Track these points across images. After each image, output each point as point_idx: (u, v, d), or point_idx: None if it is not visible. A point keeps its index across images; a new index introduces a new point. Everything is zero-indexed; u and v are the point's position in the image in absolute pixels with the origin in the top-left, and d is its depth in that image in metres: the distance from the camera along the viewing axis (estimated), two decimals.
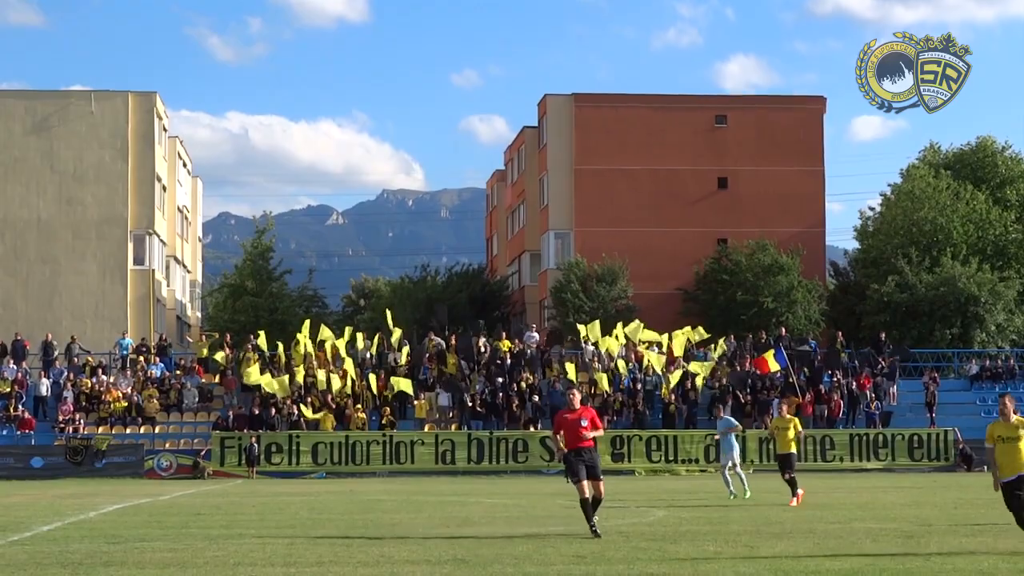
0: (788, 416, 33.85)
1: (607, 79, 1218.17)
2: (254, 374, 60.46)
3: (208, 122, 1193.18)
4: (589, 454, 22.56)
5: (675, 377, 61.31)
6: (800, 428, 33.45)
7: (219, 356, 64.07)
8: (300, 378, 60.72)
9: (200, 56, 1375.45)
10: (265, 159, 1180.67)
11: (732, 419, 36.53)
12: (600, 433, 22.93)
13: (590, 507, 22.30)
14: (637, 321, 65.75)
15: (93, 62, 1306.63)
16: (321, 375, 60.51)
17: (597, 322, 66.08)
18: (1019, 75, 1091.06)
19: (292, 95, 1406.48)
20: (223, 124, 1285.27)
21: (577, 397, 23.40)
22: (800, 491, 32.08)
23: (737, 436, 36.47)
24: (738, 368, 63.94)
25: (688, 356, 64.41)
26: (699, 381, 61.59)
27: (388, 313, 66.49)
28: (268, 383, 59.54)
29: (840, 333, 68.82)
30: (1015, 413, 19.55)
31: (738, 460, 35.62)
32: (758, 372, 62.13)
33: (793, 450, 32.88)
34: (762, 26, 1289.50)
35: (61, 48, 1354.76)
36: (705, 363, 63.66)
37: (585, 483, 22.24)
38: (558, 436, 23.01)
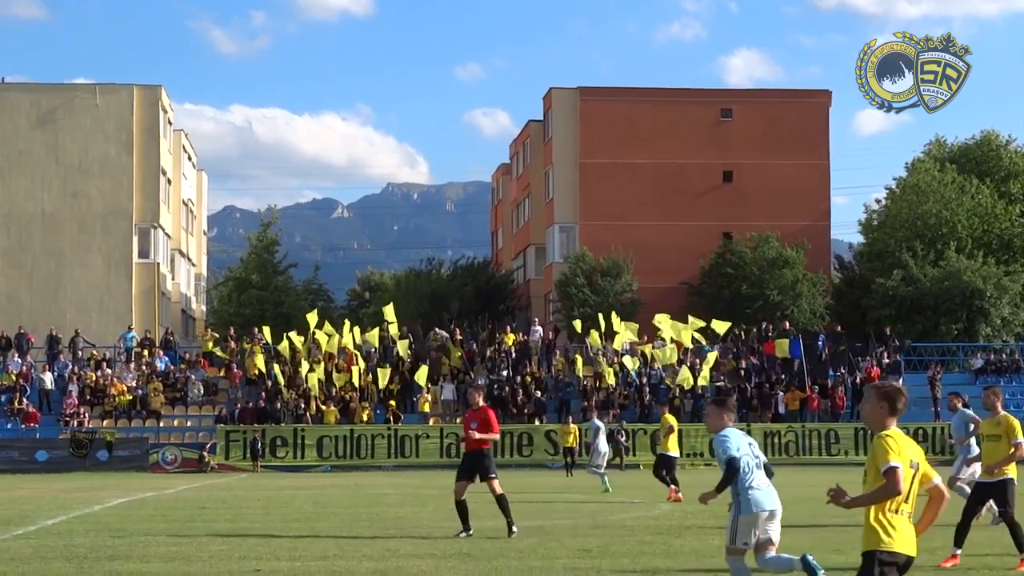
0: (671, 417, 34.34)
1: (611, 73, 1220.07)
2: (259, 363, 60.58)
3: (212, 115, 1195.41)
4: (478, 455, 21.81)
5: (685, 375, 61.07)
6: (677, 428, 34.11)
7: (223, 350, 64.15)
8: (306, 372, 60.61)
9: (203, 49, 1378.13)
10: (269, 152, 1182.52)
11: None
12: (492, 436, 21.91)
13: (464, 509, 21.78)
14: (634, 325, 65.68)
15: (96, 55, 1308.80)
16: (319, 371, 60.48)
17: (614, 317, 65.94)
18: (1023, 69, 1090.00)
19: (295, 88, 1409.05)
20: (227, 117, 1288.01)
21: (477, 397, 22.89)
22: (675, 486, 32.25)
23: None
24: (744, 362, 63.94)
25: (695, 350, 64.39)
26: (704, 377, 61.48)
27: (390, 307, 66.29)
28: (276, 374, 59.68)
29: (839, 327, 68.76)
30: (1002, 409, 19.20)
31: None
32: (764, 354, 62.44)
33: (677, 452, 33.66)
34: (765, 20, 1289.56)
35: (64, 42, 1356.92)
36: (711, 355, 63.62)
37: (459, 484, 21.86)
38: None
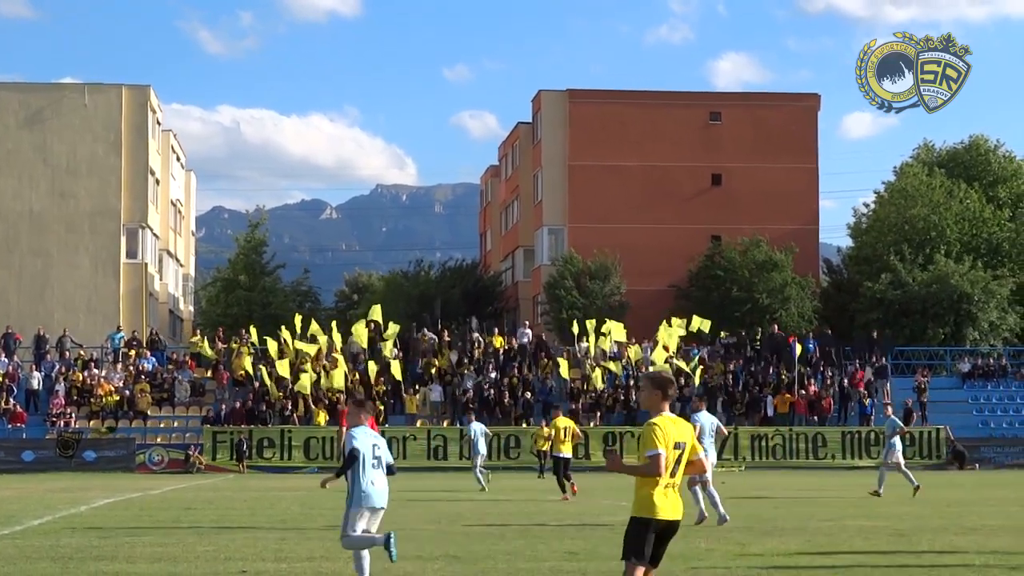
0: (565, 419, 35.27)
1: (599, 75, 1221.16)
2: (247, 364, 60.52)
3: (199, 115, 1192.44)
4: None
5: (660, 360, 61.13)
6: (578, 433, 35.36)
7: (210, 351, 64.08)
8: (285, 370, 60.44)
9: (191, 49, 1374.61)
10: (257, 153, 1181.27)
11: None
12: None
13: None
14: (621, 325, 65.64)
15: (83, 55, 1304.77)
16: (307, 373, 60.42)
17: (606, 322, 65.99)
18: (1012, 75, 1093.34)
19: (283, 89, 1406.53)
20: (214, 118, 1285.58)
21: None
22: (574, 485, 33.87)
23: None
24: (733, 365, 64.01)
25: (681, 352, 64.45)
26: (696, 377, 61.53)
27: (377, 309, 66.12)
28: (262, 376, 59.62)
29: (829, 330, 68.86)
30: None
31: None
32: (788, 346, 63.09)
33: (570, 453, 34.56)
34: (754, 23, 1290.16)
35: (51, 41, 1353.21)
36: (695, 358, 63.67)
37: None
38: None
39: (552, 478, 35.45)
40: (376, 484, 14.86)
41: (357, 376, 61.22)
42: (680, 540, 21.17)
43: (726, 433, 29.04)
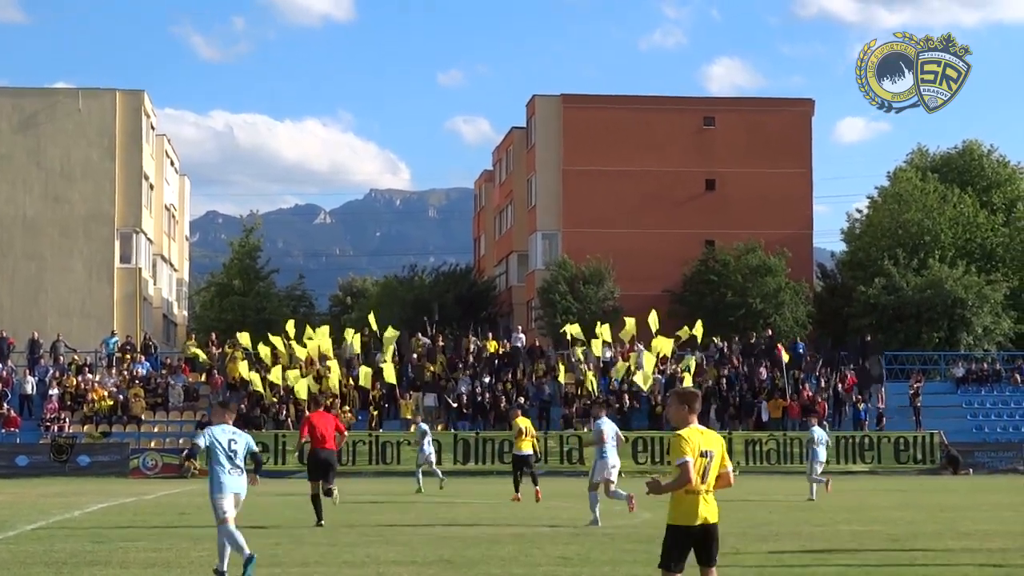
0: (523, 419, 35.77)
1: (594, 80, 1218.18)
2: (242, 369, 60.45)
3: (193, 120, 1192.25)
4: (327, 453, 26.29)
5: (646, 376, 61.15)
6: (534, 432, 35.64)
7: (204, 355, 64.04)
8: (277, 376, 60.36)
9: (184, 54, 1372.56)
10: (250, 157, 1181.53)
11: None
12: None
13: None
14: (632, 321, 65.49)
15: (76, 60, 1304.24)
16: (294, 374, 60.32)
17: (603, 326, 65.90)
18: (1004, 79, 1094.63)
19: (276, 93, 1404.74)
20: (208, 123, 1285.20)
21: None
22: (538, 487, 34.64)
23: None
24: (727, 370, 63.98)
25: (676, 356, 64.41)
26: (687, 381, 61.48)
27: (372, 316, 66.10)
28: (255, 381, 59.51)
29: (824, 335, 68.88)
30: None
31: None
32: (777, 356, 63.16)
33: (529, 451, 35.17)
34: (747, 29, 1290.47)
35: (44, 45, 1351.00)
36: (688, 360, 63.62)
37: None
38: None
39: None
40: (231, 473, 16.73)
41: (352, 381, 61.20)
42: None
43: (624, 440, 29.56)
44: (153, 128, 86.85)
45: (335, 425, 26.99)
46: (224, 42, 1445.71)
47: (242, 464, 16.89)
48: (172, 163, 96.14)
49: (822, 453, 37.61)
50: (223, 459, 16.74)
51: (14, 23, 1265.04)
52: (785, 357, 63.67)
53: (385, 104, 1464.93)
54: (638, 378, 61.12)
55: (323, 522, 25.80)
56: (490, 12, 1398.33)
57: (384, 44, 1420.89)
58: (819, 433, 38.25)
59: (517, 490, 34.79)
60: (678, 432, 11.74)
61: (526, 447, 34.96)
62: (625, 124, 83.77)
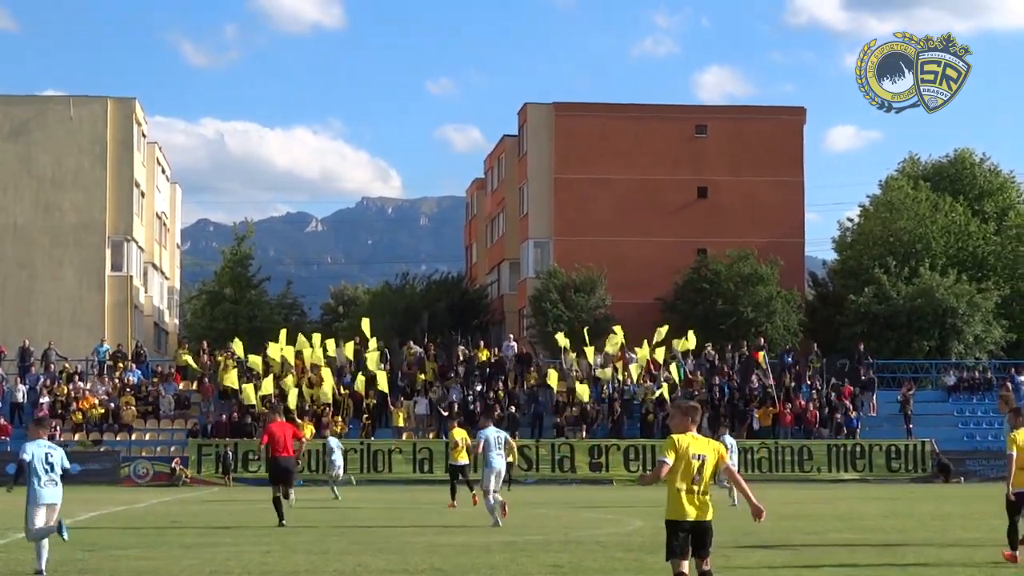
0: (460, 430, 36.90)
1: (584, 88, 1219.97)
2: (232, 378, 60.37)
3: (183, 128, 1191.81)
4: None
5: (648, 389, 61.15)
6: (470, 440, 35.77)
7: (195, 363, 63.98)
8: (268, 387, 60.27)
9: (173, 62, 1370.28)
10: (241, 165, 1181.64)
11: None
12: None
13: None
14: (619, 328, 65.51)
15: (66, 67, 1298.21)
16: (290, 382, 60.29)
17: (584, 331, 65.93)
18: (996, 88, 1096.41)
19: (267, 101, 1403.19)
20: (198, 130, 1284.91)
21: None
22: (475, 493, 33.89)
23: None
24: (718, 378, 63.97)
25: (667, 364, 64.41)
26: (665, 391, 61.36)
27: (365, 322, 66.06)
28: (247, 392, 59.43)
29: (815, 345, 68.90)
30: None
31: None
32: (754, 361, 62.99)
33: (466, 461, 36.11)
34: (737, 37, 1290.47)
35: (33, 53, 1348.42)
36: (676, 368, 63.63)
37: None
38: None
39: (477, 489, 35.63)
40: (48, 486, 18.00)
41: (344, 389, 61.17)
42: (664, 553, 21.16)
43: (514, 445, 30.28)
44: (144, 136, 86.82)
45: (293, 433, 29.66)
46: (214, 49, 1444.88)
47: (58, 476, 18.12)
48: (163, 171, 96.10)
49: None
50: (41, 471, 18.04)
51: (3, 30, 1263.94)
52: (764, 365, 63.64)
53: (375, 112, 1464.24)
54: (637, 379, 61.26)
55: (284, 522, 28.03)
56: (479, 21, 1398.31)
57: (373, 52, 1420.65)
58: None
59: (453, 498, 36.07)
60: (672, 435, 12.97)
61: (462, 458, 36.01)
62: (617, 132, 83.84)
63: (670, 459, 12.76)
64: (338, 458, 45.64)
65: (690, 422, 13.01)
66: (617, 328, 65.19)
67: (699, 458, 12.77)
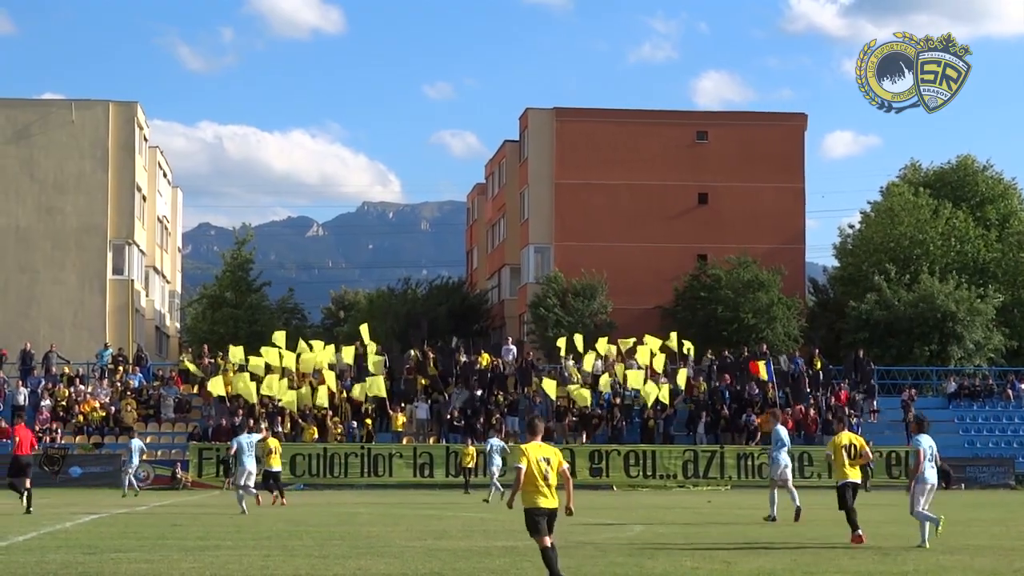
0: (273, 440, 41.93)
1: (581, 93, 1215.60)
2: (218, 384, 60.40)
3: (182, 132, 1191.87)
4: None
5: (651, 392, 61.12)
6: (280, 450, 41.80)
7: (196, 367, 63.99)
8: (268, 388, 60.24)
9: (171, 66, 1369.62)
10: (240, 169, 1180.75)
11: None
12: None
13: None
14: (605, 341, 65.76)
15: (64, 70, 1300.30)
16: (286, 386, 60.26)
17: (579, 336, 65.93)
18: (994, 94, 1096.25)
19: (264, 105, 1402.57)
20: (197, 134, 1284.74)
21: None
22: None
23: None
24: (717, 383, 63.99)
25: (666, 371, 64.42)
26: (663, 396, 61.31)
27: (364, 328, 66.09)
28: (245, 389, 59.46)
29: (817, 351, 68.94)
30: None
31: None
32: (750, 373, 62.74)
33: (279, 468, 41.47)
34: (735, 42, 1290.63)
35: (32, 56, 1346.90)
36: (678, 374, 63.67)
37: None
38: None
39: (474, 493, 36.14)
40: None
41: (344, 393, 61.20)
42: (666, 558, 21.22)
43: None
44: (146, 140, 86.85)
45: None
46: (212, 53, 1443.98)
47: None
48: (165, 175, 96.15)
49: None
50: None
51: (3, 34, 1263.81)
52: (762, 374, 63.57)
53: (373, 116, 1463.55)
54: (637, 384, 61.30)
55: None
56: (477, 26, 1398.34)
57: (372, 57, 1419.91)
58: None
59: (262, 501, 39.36)
60: (524, 445, 16.76)
61: (276, 464, 40.84)
62: (618, 138, 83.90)
63: (523, 464, 16.44)
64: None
65: (532, 434, 16.89)
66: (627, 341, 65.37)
67: (545, 460, 16.48)
